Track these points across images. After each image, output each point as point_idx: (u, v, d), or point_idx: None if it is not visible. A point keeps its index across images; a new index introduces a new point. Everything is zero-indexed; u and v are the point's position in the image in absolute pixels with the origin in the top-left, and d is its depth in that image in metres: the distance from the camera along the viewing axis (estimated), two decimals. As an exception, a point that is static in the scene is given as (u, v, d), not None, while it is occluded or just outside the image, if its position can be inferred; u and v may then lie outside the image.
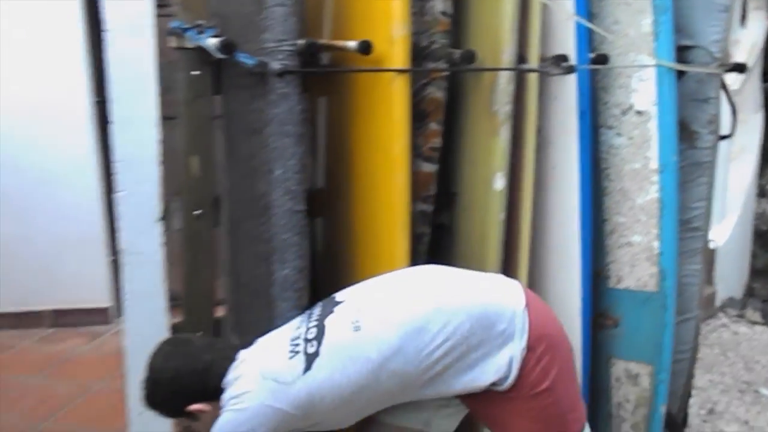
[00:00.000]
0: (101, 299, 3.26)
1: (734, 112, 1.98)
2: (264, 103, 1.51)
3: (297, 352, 1.32)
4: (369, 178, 1.69)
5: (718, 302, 3.57)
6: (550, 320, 1.40)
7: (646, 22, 1.73)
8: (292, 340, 1.35)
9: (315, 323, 1.36)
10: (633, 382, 1.86)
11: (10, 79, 3.11)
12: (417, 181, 1.65)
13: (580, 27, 1.71)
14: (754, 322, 3.46)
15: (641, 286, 1.81)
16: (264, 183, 1.55)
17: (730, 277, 3.64)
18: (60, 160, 3.19)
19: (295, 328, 1.39)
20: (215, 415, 1.34)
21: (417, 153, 1.66)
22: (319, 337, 1.32)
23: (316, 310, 1.41)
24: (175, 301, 1.83)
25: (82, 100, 3.16)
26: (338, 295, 1.43)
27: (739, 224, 3.68)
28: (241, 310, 1.76)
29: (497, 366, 1.31)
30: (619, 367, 1.90)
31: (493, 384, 1.32)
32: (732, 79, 3.43)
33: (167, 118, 1.80)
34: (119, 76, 1.69)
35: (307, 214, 1.93)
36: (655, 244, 1.77)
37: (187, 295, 1.84)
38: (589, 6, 1.79)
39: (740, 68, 1.97)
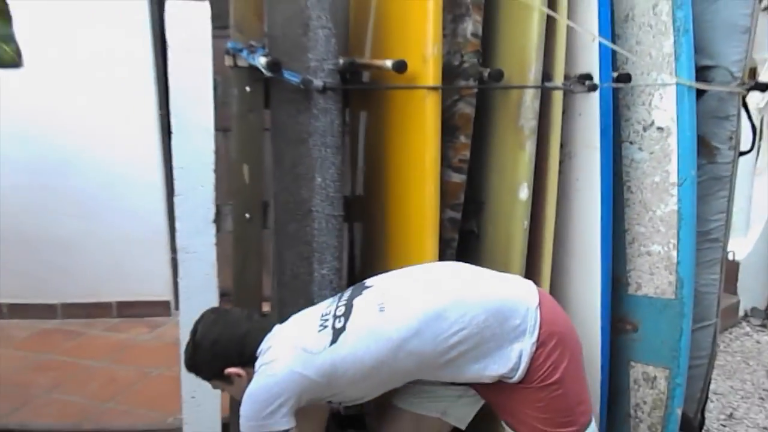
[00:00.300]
0: (163, 292, 3.34)
1: (754, 129, 1.94)
2: (307, 117, 1.56)
3: (326, 327, 1.37)
4: (402, 187, 1.72)
5: (741, 312, 3.48)
6: (561, 318, 1.42)
7: (668, 43, 1.71)
8: (323, 315, 1.40)
9: (344, 302, 1.40)
10: (650, 384, 1.83)
11: (82, 91, 3.23)
12: (447, 190, 1.67)
13: (603, 47, 1.70)
14: (777, 333, 3.35)
15: (660, 293, 1.79)
16: (306, 189, 1.59)
17: (754, 287, 3.54)
18: (128, 165, 3.28)
19: (327, 306, 1.44)
20: (248, 380, 1.40)
21: (447, 164, 1.68)
22: (347, 314, 1.36)
23: (347, 292, 1.46)
24: (225, 296, 1.89)
25: (149, 111, 3.26)
26: (368, 281, 1.48)
27: (763, 237, 3.58)
28: (284, 306, 1.80)
29: (508, 358, 1.33)
30: (637, 370, 1.87)
31: (504, 375, 1.34)
32: (758, 98, 3.36)
33: (222, 130, 1.86)
34: (179, 90, 1.75)
35: (346, 218, 1.98)
36: (674, 253, 1.74)
37: (236, 291, 1.89)
38: (613, 28, 1.79)
39: (761, 87, 1.93)
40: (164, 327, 3.24)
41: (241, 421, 1.38)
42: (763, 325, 3.44)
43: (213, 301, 1.86)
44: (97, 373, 2.80)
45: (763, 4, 3.84)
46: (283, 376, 1.34)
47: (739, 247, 3.48)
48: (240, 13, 1.78)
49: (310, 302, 1.62)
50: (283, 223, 1.71)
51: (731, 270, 3.40)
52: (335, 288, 1.63)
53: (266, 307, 1.93)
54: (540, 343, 1.33)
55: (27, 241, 3.31)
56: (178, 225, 1.82)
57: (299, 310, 1.64)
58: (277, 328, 1.46)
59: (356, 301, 1.39)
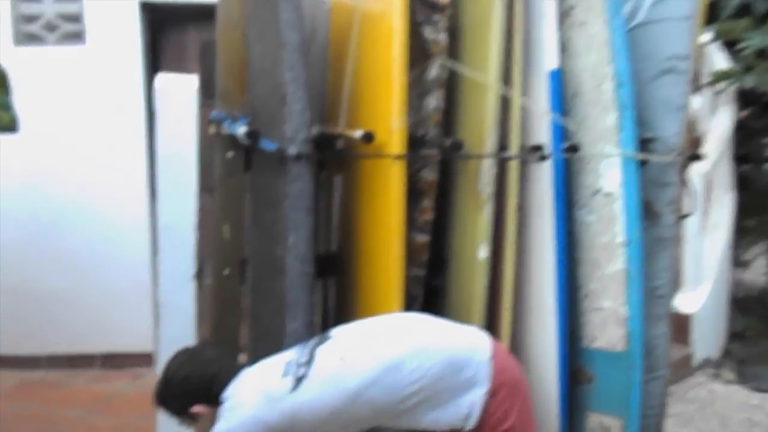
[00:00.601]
0: (145, 345, 3.29)
1: (693, 194, 2.02)
2: (282, 182, 1.59)
3: (289, 373, 1.37)
4: (371, 245, 1.75)
5: (695, 362, 3.50)
6: (512, 368, 1.44)
7: (612, 118, 1.79)
8: (287, 363, 1.41)
9: (308, 351, 1.41)
10: (605, 433, 1.83)
11: (75, 154, 3.27)
12: (412, 249, 1.70)
13: (555, 121, 1.78)
14: (729, 382, 3.37)
15: (611, 346, 1.81)
16: (280, 248, 1.61)
17: (707, 339, 3.58)
18: (116, 223, 3.30)
19: (292, 353, 1.45)
20: (212, 419, 1.40)
21: (413, 225, 1.71)
22: (310, 362, 1.37)
23: (312, 342, 1.46)
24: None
25: (139, 174, 3.29)
26: (332, 331, 1.50)
27: (714, 291, 3.64)
28: (259, 357, 1.79)
29: (461, 408, 1.34)
30: (593, 420, 1.87)
31: (457, 424, 1.35)
32: (703, 164, 3.49)
33: (207, 190, 1.90)
34: (165, 157, 1.80)
35: (321, 274, 2.00)
36: (623, 309, 1.77)
37: (215, 343, 1.89)
38: (563, 103, 1.87)
39: (696, 157, 2.02)
40: (146, 378, 3.18)
41: None
42: (716, 375, 3.46)
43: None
44: (79, 423, 2.74)
45: (702, 82, 4.04)
46: (246, 419, 1.35)
47: (692, 300, 3.54)
48: (224, 86, 1.84)
49: (283, 355, 1.62)
50: (259, 280, 1.72)
51: (684, 322, 3.44)
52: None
53: (243, 358, 1.92)
54: (491, 394, 1.35)
55: (16, 293, 3.28)
56: (160, 281, 1.83)
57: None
58: (244, 372, 1.47)
59: (319, 350, 1.40)
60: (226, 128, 1.77)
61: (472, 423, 1.34)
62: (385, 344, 1.40)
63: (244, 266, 1.85)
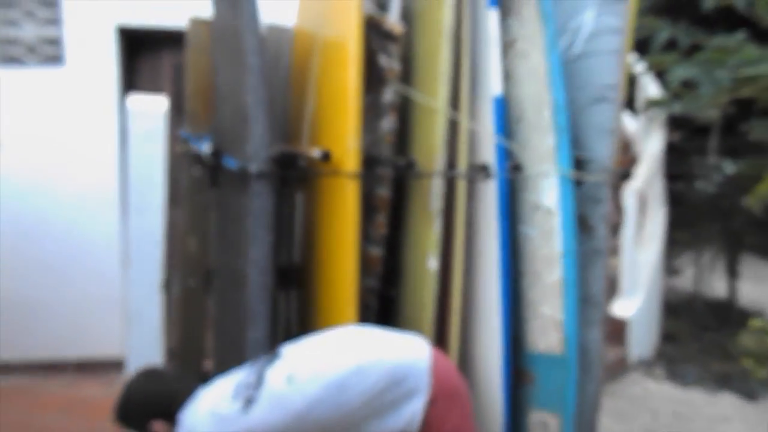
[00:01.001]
0: (117, 352, 3.21)
1: (619, 210, 2.06)
2: (245, 198, 1.57)
3: (239, 396, 1.34)
4: (329, 258, 1.73)
5: (630, 362, 3.56)
6: (451, 375, 1.43)
7: (550, 141, 1.82)
8: (237, 384, 1.38)
9: (257, 372, 1.38)
10: (545, 429, 1.84)
11: (53, 167, 3.19)
12: (368, 262, 1.70)
13: (499, 143, 1.80)
14: (661, 379, 3.44)
15: (550, 350, 1.83)
16: (242, 261, 1.59)
17: (641, 341, 3.65)
18: (91, 235, 3.22)
19: (244, 374, 1.41)
20: None
21: (368, 239, 1.71)
22: (259, 384, 1.35)
23: (261, 361, 1.43)
24: (171, 354, 1.84)
25: (111, 188, 3.22)
26: (282, 350, 1.46)
27: (648, 297, 3.72)
28: (223, 364, 1.76)
29: (402, 417, 1.32)
30: (535, 417, 1.88)
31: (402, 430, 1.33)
32: (636, 182, 3.58)
33: (176, 204, 1.86)
34: (135, 172, 1.76)
35: (283, 285, 1.98)
36: (560, 315, 1.80)
37: (182, 350, 1.85)
38: (507, 127, 1.89)
39: (626, 176, 2.06)
40: (117, 384, 3.07)
41: None
42: (649, 373, 3.53)
43: (158, 360, 1.81)
44: (53, 427, 2.63)
45: (637, 108, 4.15)
46: None
47: (627, 306, 3.61)
48: (192, 107, 1.82)
49: (244, 362, 1.58)
50: (223, 291, 1.69)
51: (620, 326, 3.51)
52: (267, 350, 1.60)
53: (208, 365, 1.88)
54: (431, 402, 1.34)
55: (-8, 302, 3.16)
56: (129, 292, 1.78)
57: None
58: (200, 393, 1.43)
59: (267, 372, 1.37)
60: (193, 147, 1.74)
61: (415, 429, 1.33)
62: (329, 364, 1.37)
63: (210, 278, 1.81)
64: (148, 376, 1.47)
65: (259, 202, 1.54)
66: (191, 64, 1.83)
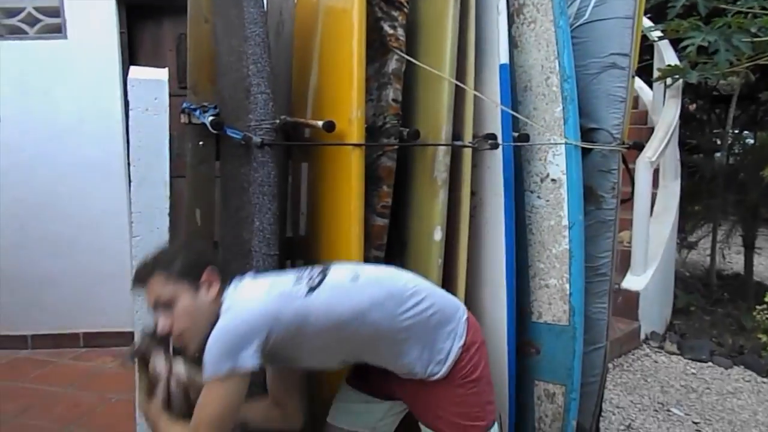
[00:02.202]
0: (126, 324, 3.27)
1: (632, 182, 2.06)
2: (248, 168, 1.60)
3: (302, 280, 1.36)
4: (334, 229, 1.77)
5: (642, 335, 3.60)
6: (479, 331, 1.52)
7: (558, 110, 1.83)
8: (299, 272, 1.40)
9: (320, 267, 1.41)
10: (550, 400, 1.89)
11: (58, 142, 3.24)
12: (372, 232, 1.72)
13: (505, 112, 1.81)
14: (672, 353, 3.48)
15: (556, 320, 1.87)
16: (247, 232, 1.62)
17: (652, 314, 3.68)
18: (99, 209, 3.28)
19: (300, 269, 1.43)
20: (210, 307, 1.32)
21: (372, 209, 1.73)
22: (324, 274, 1.38)
23: (318, 265, 1.44)
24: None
25: (118, 162, 3.26)
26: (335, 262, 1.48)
27: (659, 270, 3.73)
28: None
29: (439, 352, 1.40)
30: (540, 388, 1.93)
31: (432, 369, 1.40)
32: (651, 152, 3.56)
33: (178, 176, 1.89)
34: (138, 147, 1.78)
35: (289, 256, 2.02)
36: (567, 286, 1.83)
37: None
38: (514, 96, 1.90)
39: (637, 146, 2.07)
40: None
41: (209, 359, 1.24)
42: (660, 347, 3.56)
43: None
44: (63, 399, 2.73)
45: (655, 76, 4.09)
46: (258, 311, 1.27)
47: (639, 279, 3.63)
48: (194, 78, 1.83)
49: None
50: (228, 262, 1.73)
51: (632, 299, 3.54)
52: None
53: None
54: (465, 348, 1.42)
55: (3, 275, 3.24)
56: (134, 264, 1.82)
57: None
58: (242, 280, 1.40)
59: (332, 268, 1.41)
60: (197, 118, 1.76)
61: (444, 371, 1.40)
62: (391, 277, 1.45)
63: (216, 249, 1.85)
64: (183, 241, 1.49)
65: (263, 172, 1.57)
66: (192, 35, 1.84)
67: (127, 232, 3.24)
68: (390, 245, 1.79)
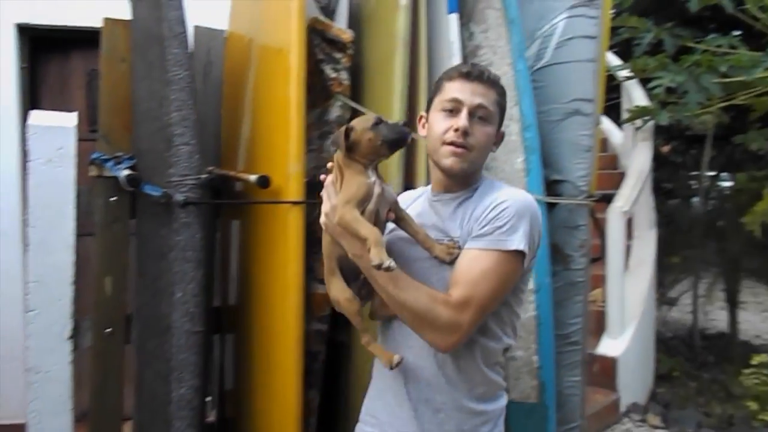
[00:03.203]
0: (17, 415, 3.12)
1: (602, 236, 2.15)
2: (168, 230, 1.59)
3: None
4: (268, 298, 1.76)
5: (622, 408, 3.65)
6: None
7: (519, 160, 1.91)
8: None
9: None
10: (521, 490, 1.90)
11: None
12: (313, 302, 1.73)
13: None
14: (656, 427, 3.54)
15: (525, 397, 1.89)
16: (166, 304, 1.60)
17: (633, 383, 3.75)
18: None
19: None
20: (483, 157, 1.30)
21: (313, 276, 1.74)
22: None
23: None
24: (82, 419, 1.81)
25: (13, 222, 3.16)
26: None
27: (638, 332, 3.82)
28: (143, 428, 1.75)
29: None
30: (510, 476, 1.94)
31: None
32: (623, 201, 3.72)
33: (86, 234, 1.85)
34: (37, 203, 1.74)
35: (217, 330, 1.99)
36: (535, 358, 1.87)
37: (95, 412, 1.83)
38: (471, 145, 1.97)
39: (606, 199, 2.16)
40: (19, 453, 3.00)
41: (512, 228, 1.20)
42: (642, 420, 3.62)
43: (66, 425, 1.78)
44: None
45: (624, 118, 4.31)
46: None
47: (616, 343, 3.71)
48: (108, 125, 1.82)
49: (168, 424, 1.59)
50: (144, 339, 1.69)
51: (609, 367, 3.61)
52: (194, 408, 1.61)
53: (127, 429, 1.87)
54: None
55: None
56: (29, 343, 1.76)
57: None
58: None
59: None
60: (109, 171, 1.75)
61: None
62: None
63: (129, 324, 1.81)
64: None
65: (185, 235, 1.57)
66: (106, 73, 1.84)
67: (21, 304, 3.14)
68: (335, 317, 1.80)
